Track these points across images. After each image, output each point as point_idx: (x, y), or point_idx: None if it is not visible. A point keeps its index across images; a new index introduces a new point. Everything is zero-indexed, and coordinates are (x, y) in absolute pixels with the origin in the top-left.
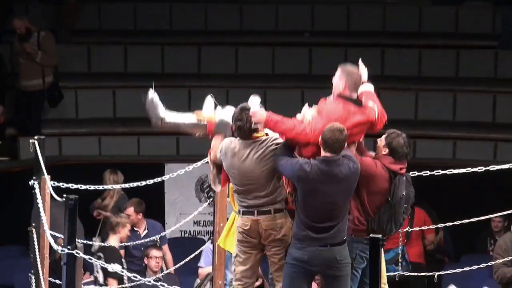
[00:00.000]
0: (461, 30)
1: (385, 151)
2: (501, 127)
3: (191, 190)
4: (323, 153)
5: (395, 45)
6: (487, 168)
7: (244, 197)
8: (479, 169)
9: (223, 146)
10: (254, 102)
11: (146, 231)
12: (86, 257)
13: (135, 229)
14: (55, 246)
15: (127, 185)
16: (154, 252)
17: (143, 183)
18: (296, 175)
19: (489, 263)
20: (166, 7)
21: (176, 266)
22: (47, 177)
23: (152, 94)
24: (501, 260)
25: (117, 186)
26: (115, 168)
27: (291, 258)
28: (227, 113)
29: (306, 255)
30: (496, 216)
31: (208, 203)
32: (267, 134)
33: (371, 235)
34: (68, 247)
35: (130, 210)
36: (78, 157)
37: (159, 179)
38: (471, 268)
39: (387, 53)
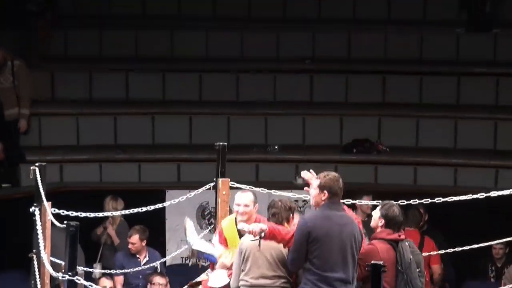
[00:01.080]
0: (461, 58)
1: (381, 222)
2: (502, 154)
3: (192, 216)
4: (325, 202)
5: (396, 72)
6: (488, 194)
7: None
8: (480, 196)
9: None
10: (244, 226)
11: (147, 258)
12: (87, 283)
13: (137, 256)
14: (53, 274)
15: (128, 212)
16: (158, 279)
17: (144, 209)
18: (305, 232)
19: None
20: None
21: None
22: (47, 204)
23: (187, 220)
24: None
25: (118, 213)
26: (116, 194)
27: None
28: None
29: None
30: (497, 243)
31: (209, 230)
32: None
33: (372, 262)
34: (69, 273)
35: (135, 237)
36: (79, 183)
37: (160, 205)
38: None
39: (388, 80)
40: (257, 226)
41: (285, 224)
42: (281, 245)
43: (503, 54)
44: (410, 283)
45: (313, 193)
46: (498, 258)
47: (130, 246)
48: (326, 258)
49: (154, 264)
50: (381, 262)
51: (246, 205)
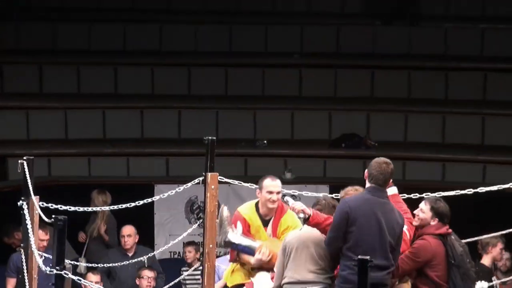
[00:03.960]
0: (450, 53)
1: (434, 220)
2: (490, 149)
3: (181, 211)
4: (368, 186)
5: (385, 67)
6: (476, 190)
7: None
8: (468, 191)
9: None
10: (290, 200)
11: (135, 253)
12: (75, 278)
13: (128, 254)
14: (43, 267)
15: (116, 207)
16: (146, 272)
17: (133, 204)
18: (344, 211)
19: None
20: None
21: (166, 287)
22: (35, 198)
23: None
24: None
25: (106, 208)
26: (103, 188)
27: None
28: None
29: None
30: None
31: (198, 224)
32: None
33: (359, 257)
34: (57, 267)
35: (131, 229)
36: (67, 177)
37: (149, 200)
38: None
39: (376, 75)
40: (301, 206)
41: None
42: (323, 239)
43: (490, 49)
44: (466, 275)
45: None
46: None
47: (125, 241)
48: (363, 241)
49: (142, 258)
50: (368, 258)
51: (278, 192)
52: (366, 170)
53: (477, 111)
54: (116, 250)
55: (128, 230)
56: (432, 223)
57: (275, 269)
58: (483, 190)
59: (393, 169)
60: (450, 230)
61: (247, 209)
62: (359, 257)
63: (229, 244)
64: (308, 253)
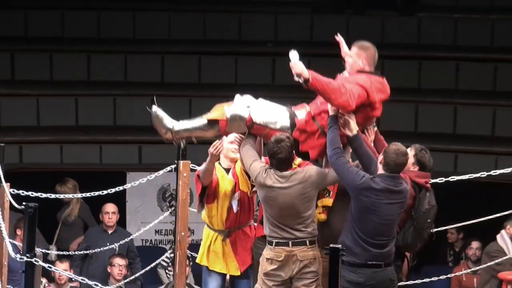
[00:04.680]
0: (423, 42)
1: (415, 168)
2: (461, 139)
3: (153, 199)
4: (381, 171)
5: None
6: (447, 179)
7: (280, 229)
8: (439, 180)
9: (260, 176)
10: (294, 56)
11: (115, 231)
12: (45, 265)
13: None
14: (12, 254)
15: (88, 194)
16: (118, 260)
17: (105, 192)
18: (360, 187)
19: (449, 275)
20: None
21: (137, 274)
22: (5, 184)
23: (155, 108)
24: None
25: (79, 195)
26: (75, 176)
27: (345, 281)
28: (237, 107)
29: (363, 277)
30: (451, 228)
31: (170, 212)
32: (299, 165)
33: (331, 245)
34: (27, 255)
35: (114, 206)
36: (39, 165)
37: (121, 187)
38: (431, 279)
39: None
40: (301, 68)
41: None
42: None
43: (463, 38)
44: (417, 232)
45: (349, 61)
46: (453, 242)
47: (109, 217)
48: (370, 226)
49: (113, 246)
50: (339, 246)
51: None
52: (381, 157)
53: (449, 101)
54: (95, 228)
55: (112, 207)
56: (412, 169)
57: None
58: (455, 179)
59: (408, 159)
60: (428, 185)
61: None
62: (331, 245)
63: (177, 134)
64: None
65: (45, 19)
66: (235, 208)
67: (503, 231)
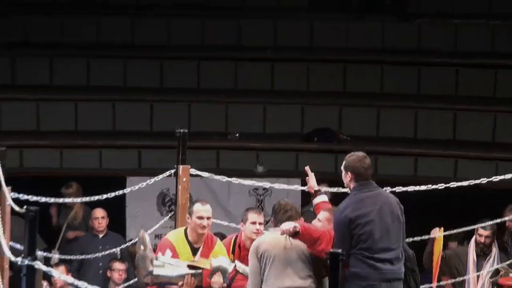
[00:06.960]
0: (423, 48)
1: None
2: (461, 144)
3: (152, 203)
4: (354, 184)
5: (357, 61)
6: (447, 185)
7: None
8: (439, 186)
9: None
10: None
11: (106, 235)
12: (46, 269)
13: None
14: (13, 258)
15: (88, 199)
16: (117, 265)
17: (105, 196)
18: (344, 221)
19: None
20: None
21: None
22: (6, 188)
23: (146, 249)
24: None
25: (79, 199)
26: (75, 181)
27: None
28: (223, 260)
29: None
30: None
31: (170, 217)
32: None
33: (331, 251)
34: (28, 258)
35: (104, 211)
36: (39, 169)
37: (121, 192)
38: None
39: (349, 70)
40: (290, 225)
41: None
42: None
43: (463, 44)
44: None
45: (319, 224)
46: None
47: (99, 222)
48: (370, 240)
49: (114, 250)
50: (339, 250)
51: (209, 218)
52: (347, 173)
53: (449, 107)
54: (86, 234)
55: (102, 212)
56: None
57: (249, 280)
58: (455, 185)
59: (370, 161)
60: None
61: (175, 236)
62: (331, 250)
63: (156, 279)
64: (297, 258)
65: (45, 24)
66: None
67: None
